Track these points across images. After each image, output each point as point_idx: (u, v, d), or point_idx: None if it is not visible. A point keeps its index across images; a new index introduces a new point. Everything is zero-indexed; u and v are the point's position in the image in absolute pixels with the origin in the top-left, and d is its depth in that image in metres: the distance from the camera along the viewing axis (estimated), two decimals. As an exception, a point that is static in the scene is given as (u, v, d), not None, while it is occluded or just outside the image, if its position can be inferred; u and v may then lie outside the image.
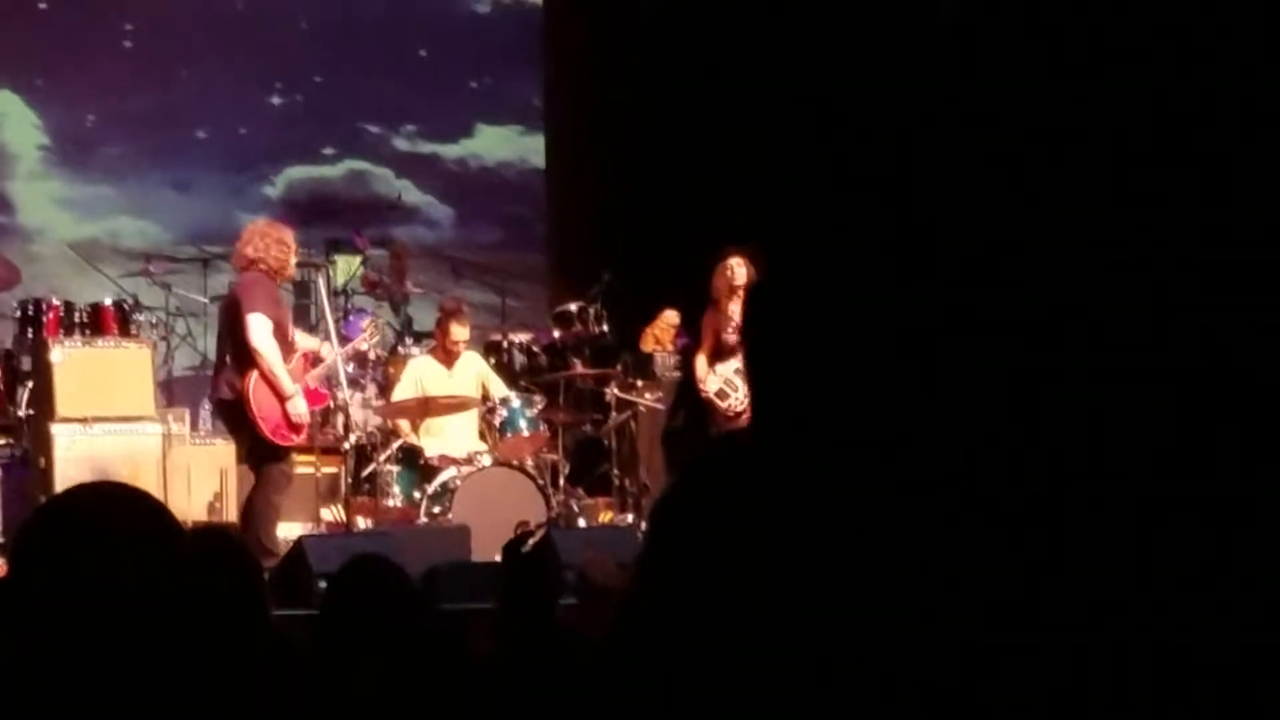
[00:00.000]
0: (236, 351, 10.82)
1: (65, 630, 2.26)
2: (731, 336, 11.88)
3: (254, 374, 10.73)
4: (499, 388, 12.53)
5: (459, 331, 12.41)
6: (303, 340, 11.45)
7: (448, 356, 12.39)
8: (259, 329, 10.72)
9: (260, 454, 10.90)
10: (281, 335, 10.92)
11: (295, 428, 10.93)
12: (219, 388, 10.98)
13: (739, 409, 11.88)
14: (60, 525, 2.38)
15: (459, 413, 12.23)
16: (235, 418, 10.95)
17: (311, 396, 11.15)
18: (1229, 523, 2.02)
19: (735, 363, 11.87)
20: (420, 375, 12.34)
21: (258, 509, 10.89)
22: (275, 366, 10.75)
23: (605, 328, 13.52)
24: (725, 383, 12.08)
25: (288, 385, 10.79)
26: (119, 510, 2.37)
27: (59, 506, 2.47)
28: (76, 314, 12.36)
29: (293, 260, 11.17)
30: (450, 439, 12.22)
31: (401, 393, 12.28)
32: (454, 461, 11.86)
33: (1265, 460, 2.02)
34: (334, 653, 4.56)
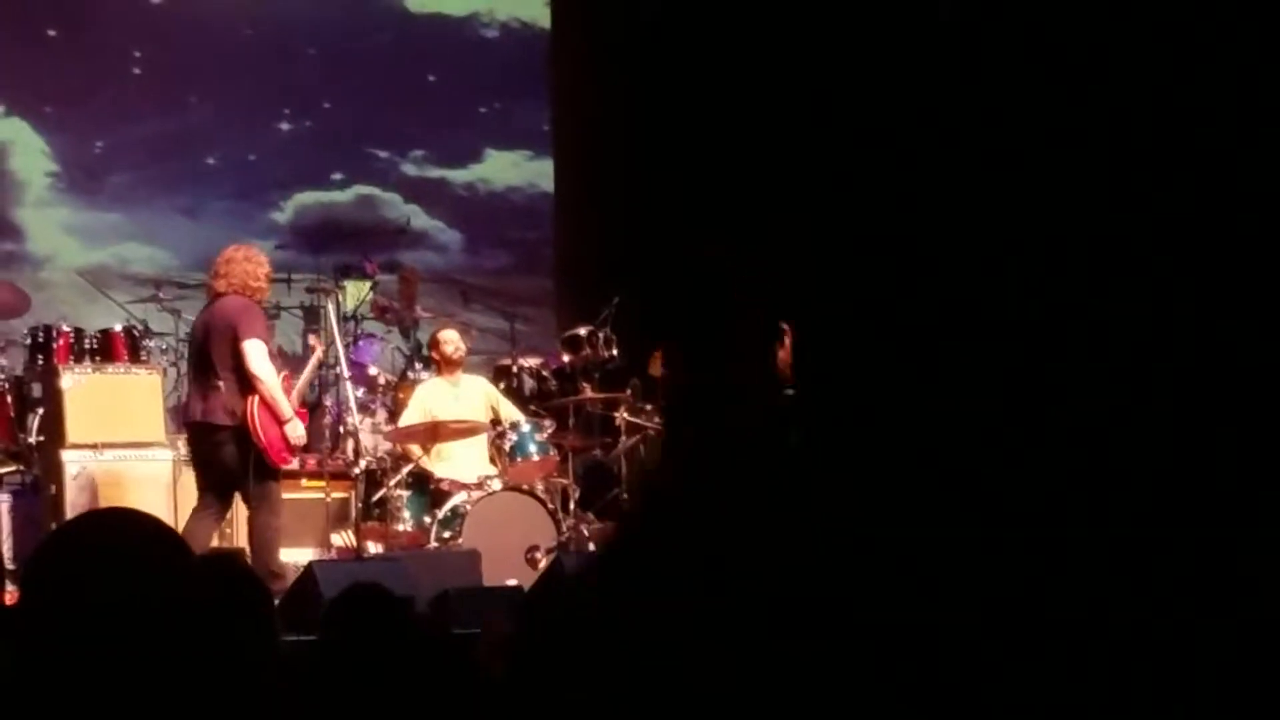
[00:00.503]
0: (237, 377, 10.80)
1: (76, 656, 2.26)
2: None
3: (254, 399, 10.74)
4: (510, 411, 12.54)
5: (447, 335, 12.49)
6: None
7: (450, 368, 12.40)
8: (258, 354, 10.75)
9: (260, 478, 10.88)
10: (271, 359, 10.98)
11: (293, 449, 10.98)
12: (211, 412, 10.91)
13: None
14: (70, 551, 2.37)
15: (468, 438, 12.23)
16: (231, 443, 10.87)
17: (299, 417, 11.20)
18: (1230, 522, 2.02)
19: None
20: (426, 398, 12.35)
21: (264, 534, 10.89)
22: (276, 390, 10.78)
23: (614, 352, 13.51)
24: None
25: (287, 409, 10.82)
26: (128, 536, 2.37)
27: (69, 533, 2.47)
28: (86, 340, 12.37)
29: (268, 286, 11.26)
30: (460, 464, 12.22)
31: (408, 418, 12.29)
32: (464, 486, 11.86)
33: (1265, 459, 2.01)
34: (335, 680, 4.55)
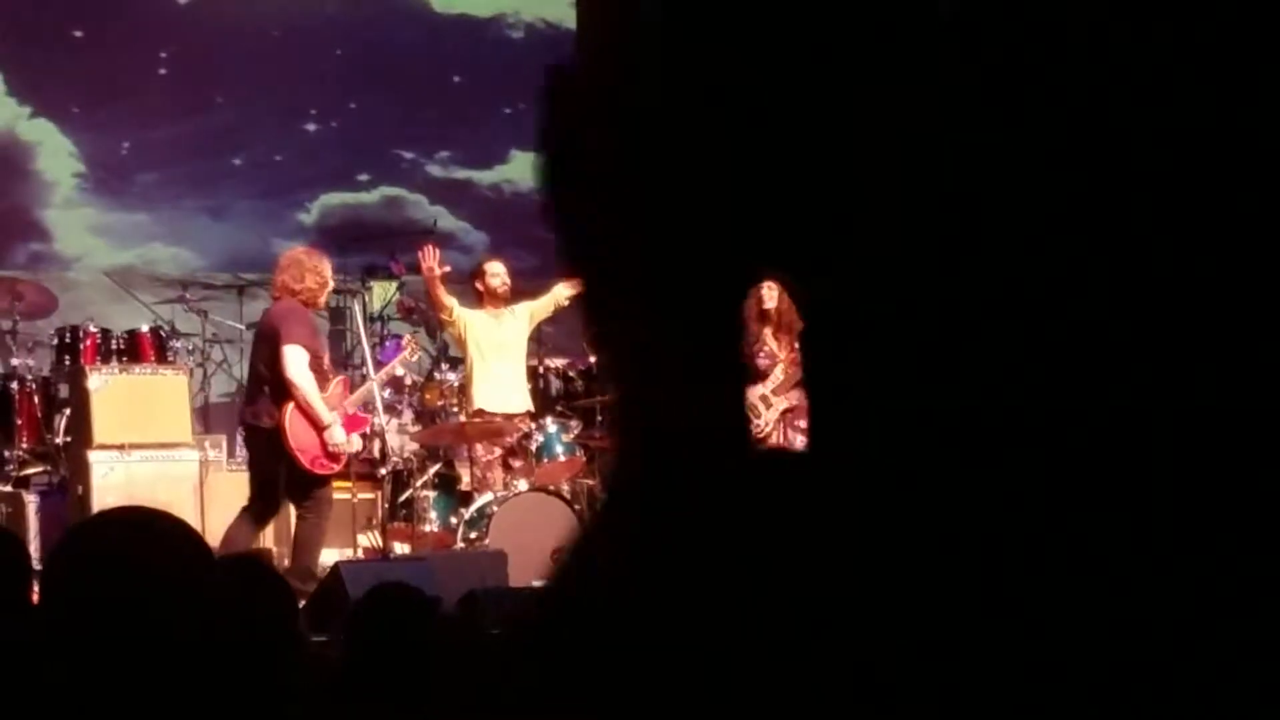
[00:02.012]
0: (276, 381, 10.81)
1: (94, 656, 2.25)
2: (762, 361, 11.86)
3: (290, 405, 10.72)
4: (547, 299, 12.40)
5: (493, 267, 12.35)
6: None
7: (494, 300, 12.26)
8: (295, 361, 10.72)
9: (302, 484, 10.87)
10: (318, 364, 10.92)
11: (334, 457, 10.91)
12: (259, 415, 10.94)
13: (764, 433, 11.85)
14: (89, 550, 2.36)
15: (494, 438, 12.20)
16: (271, 446, 10.90)
17: (351, 422, 11.14)
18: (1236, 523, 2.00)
19: (762, 388, 11.84)
20: (470, 321, 12.18)
21: (310, 536, 10.87)
22: (311, 397, 10.74)
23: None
24: (750, 408, 12.06)
25: (324, 415, 10.78)
26: (148, 535, 2.36)
27: (89, 531, 2.46)
28: (113, 341, 12.40)
29: (327, 291, 11.18)
30: (502, 394, 12.14)
31: (448, 302, 12.09)
32: (488, 486, 11.86)
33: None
34: (361, 680, 4.55)
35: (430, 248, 12.11)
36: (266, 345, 10.90)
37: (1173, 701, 2.00)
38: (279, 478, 10.90)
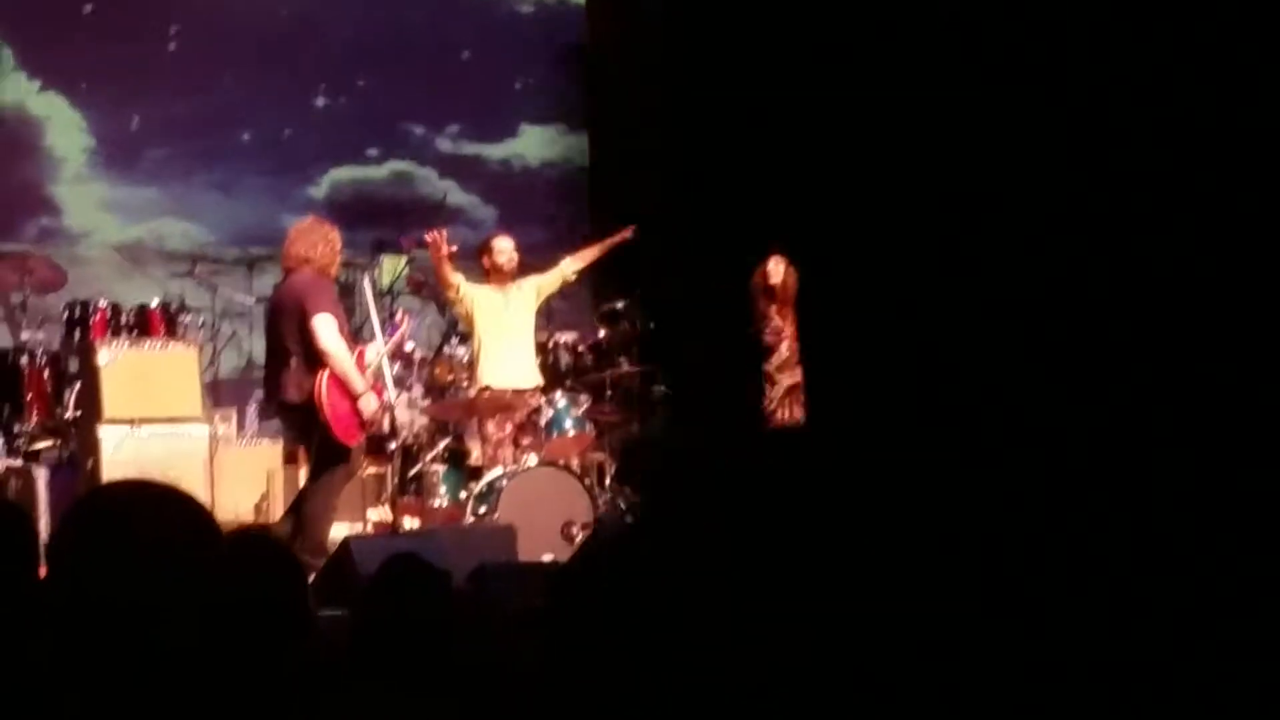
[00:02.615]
0: (305, 353, 10.73)
1: (100, 630, 2.25)
2: (768, 337, 11.85)
3: (324, 375, 10.61)
4: (554, 274, 12.39)
5: (500, 244, 12.36)
6: None
7: (500, 277, 12.27)
8: (328, 329, 10.64)
9: (327, 455, 10.81)
10: (343, 334, 10.85)
11: (364, 426, 10.87)
12: (284, 390, 10.82)
13: (769, 409, 11.85)
14: (96, 523, 2.36)
15: (504, 413, 12.20)
16: (302, 420, 10.85)
17: (375, 392, 11.11)
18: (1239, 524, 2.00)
19: (767, 365, 11.84)
20: (476, 297, 12.17)
21: (318, 511, 10.81)
22: (347, 365, 10.65)
23: (651, 326, 13.48)
24: None
25: (359, 383, 10.70)
26: (155, 508, 2.35)
27: (95, 504, 2.45)
28: (123, 316, 12.41)
29: (339, 260, 11.14)
30: (509, 370, 12.16)
31: (452, 278, 12.10)
32: (499, 460, 11.86)
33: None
34: (371, 654, 4.54)
35: (437, 232, 12.08)
36: (289, 318, 10.77)
37: (1172, 700, 1.99)
38: (309, 451, 10.89)
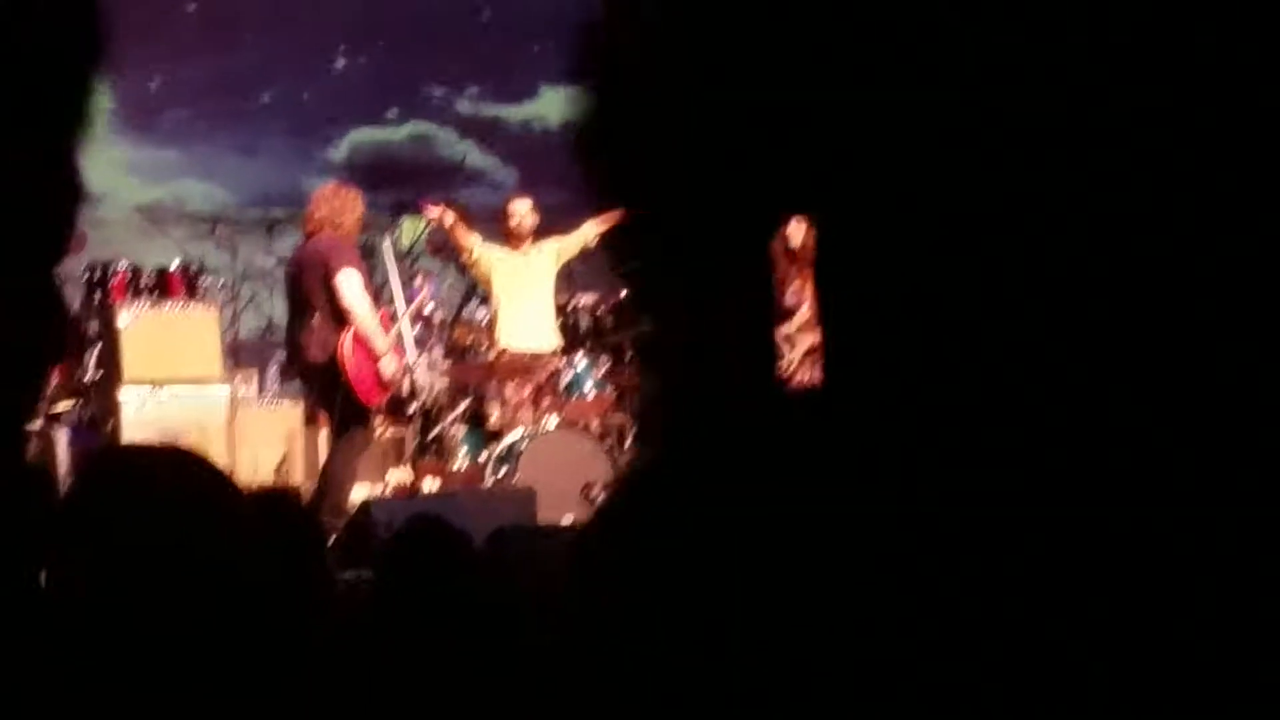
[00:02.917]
0: (329, 311, 10.72)
1: (117, 591, 2.24)
2: (788, 299, 11.83)
3: (348, 334, 10.62)
4: (575, 237, 12.37)
5: (514, 206, 12.32)
6: None
7: (516, 240, 12.25)
8: (353, 286, 10.64)
9: (346, 416, 10.83)
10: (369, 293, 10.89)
11: (385, 386, 10.88)
12: (307, 349, 10.81)
13: (789, 372, 11.82)
14: (112, 483, 2.35)
15: (524, 375, 12.19)
16: (325, 380, 10.85)
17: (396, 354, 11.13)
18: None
19: (785, 329, 11.82)
20: (490, 260, 12.18)
21: (338, 472, 10.83)
22: (371, 322, 10.66)
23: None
24: (775, 346, 12.02)
25: (382, 342, 10.72)
26: (172, 468, 2.35)
27: (110, 465, 2.45)
28: (143, 278, 12.42)
29: (358, 222, 11.13)
30: (527, 333, 12.16)
31: (465, 238, 12.11)
32: (518, 420, 11.86)
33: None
34: (392, 616, 4.54)
35: (439, 207, 12.08)
36: (314, 276, 10.74)
37: (1170, 699, 1.98)
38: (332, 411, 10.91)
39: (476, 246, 12.15)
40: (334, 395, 10.81)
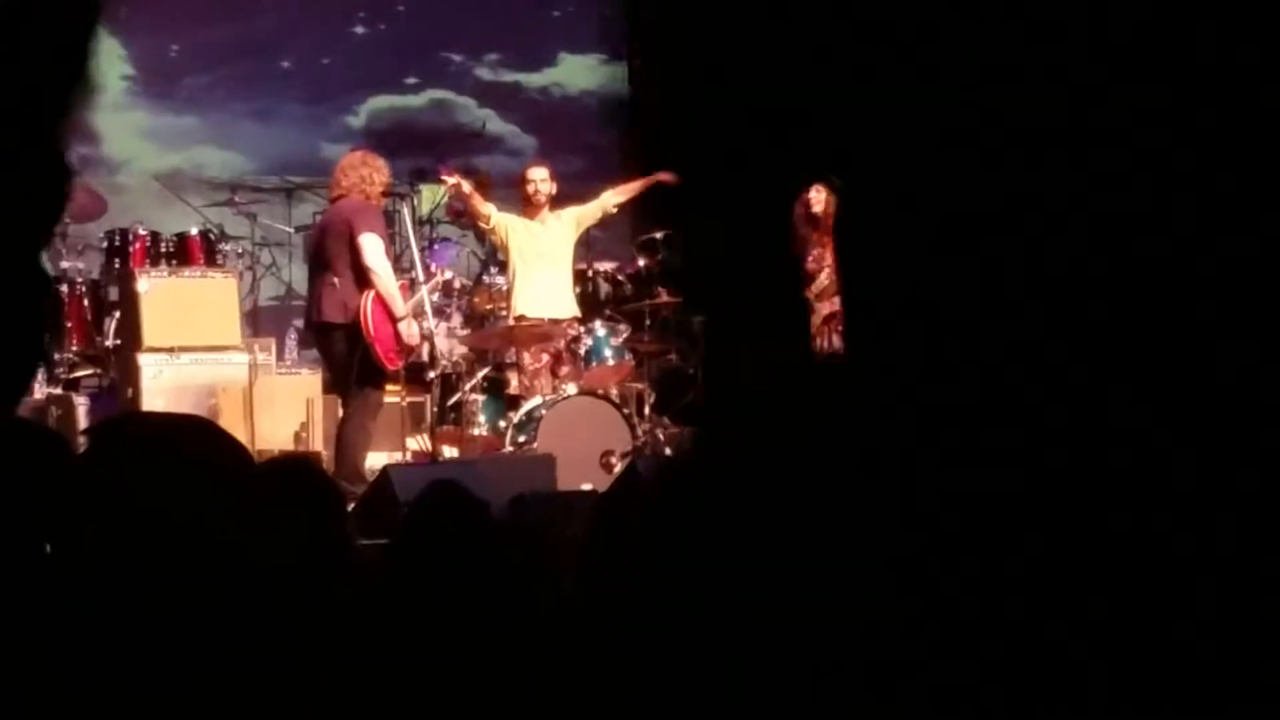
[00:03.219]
0: (352, 273, 10.82)
1: (135, 560, 2.23)
2: (809, 265, 11.80)
3: (369, 295, 10.76)
4: (593, 206, 12.36)
5: (532, 173, 12.32)
6: None
7: (533, 209, 12.25)
8: (374, 248, 10.78)
9: (362, 379, 10.92)
10: (389, 258, 11.02)
11: (403, 351, 10.98)
12: (327, 310, 10.89)
13: (810, 337, 11.80)
14: (124, 452, 2.34)
15: (543, 342, 12.19)
16: (344, 340, 10.91)
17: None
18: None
19: (808, 292, 11.78)
20: (509, 227, 12.18)
21: (353, 436, 10.91)
22: (391, 285, 10.84)
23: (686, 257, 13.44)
24: None
25: (402, 306, 10.85)
26: (186, 436, 2.34)
27: (122, 432, 2.44)
28: (163, 244, 12.43)
29: (383, 188, 11.17)
30: (544, 300, 12.16)
31: (484, 207, 12.13)
32: (537, 389, 11.86)
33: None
34: (411, 583, 4.54)
35: (454, 173, 12.09)
36: (338, 238, 10.87)
37: (1170, 698, 1.96)
38: (350, 373, 10.97)
39: (494, 215, 12.14)
40: (352, 358, 10.88)
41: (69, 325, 12.44)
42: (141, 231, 12.53)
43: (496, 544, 4.72)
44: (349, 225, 10.82)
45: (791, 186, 12.13)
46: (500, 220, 12.15)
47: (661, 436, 12.47)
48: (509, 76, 16.57)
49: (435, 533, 4.65)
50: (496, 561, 4.57)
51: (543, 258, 12.18)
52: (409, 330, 10.89)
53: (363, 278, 10.78)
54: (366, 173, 11.05)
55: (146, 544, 2.23)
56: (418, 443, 12.09)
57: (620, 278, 13.78)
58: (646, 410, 12.48)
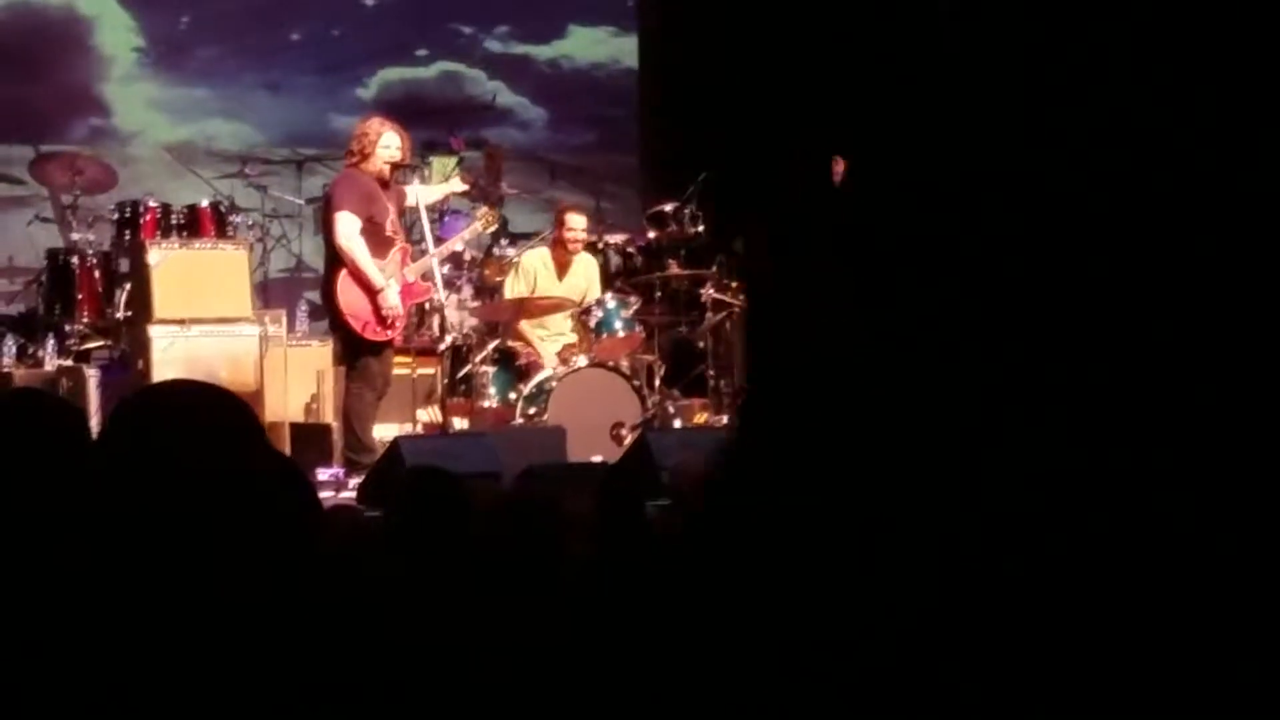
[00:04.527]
0: (328, 251, 11.02)
1: (149, 523, 2.24)
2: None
3: (341, 272, 10.85)
4: (594, 292, 12.52)
5: (575, 219, 12.41)
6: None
7: (565, 252, 12.35)
8: (343, 226, 10.84)
9: (351, 351, 11.01)
10: (377, 229, 10.95)
11: (387, 323, 10.94)
12: (321, 287, 11.30)
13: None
14: (143, 421, 2.36)
15: (555, 312, 12.22)
16: (330, 316, 11.17)
17: (410, 291, 11.17)
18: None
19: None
20: (535, 271, 12.31)
21: (353, 408, 10.97)
22: (360, 260, 10.84)
23: (700, 228, 13.45)
24: None
25: (377, 278, 10.86)
26: (202, 404, 2.35)
27: (140, 402, 2.45)
28: (173, 216, 12.44)
29: (379, 153, 11.09)
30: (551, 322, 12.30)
31: (512, 289, 12.29)
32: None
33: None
34: (413, 556, 4.57)
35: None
36: (326, 213, 11.15)
37: (1169, 698, 1.97)
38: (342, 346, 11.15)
39: (521, 274, 12.33)
40: (337, 331, 11.08)
41: (80, 297, 12.46)
42: (152, 203, 12.54)
43: (505, 515, 4.74)
44: (328, 200, 11.07)
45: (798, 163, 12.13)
46: (528, 266, 12.32)
47: (671, 409, 12.48)
48: (519, 48, 16.54)
49: (427, 507, 4.69)
50: (505, 533, 4.59)
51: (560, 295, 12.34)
52: (392, 299, 10.87)
53: (336, 255, 10.94)
54: (356, 135, 11.15)
55: (162, 506, 2.24)
56: (428, 414, 12.11)
57: (630, 250, 13.78)
58: (657, 382, 12.49)
